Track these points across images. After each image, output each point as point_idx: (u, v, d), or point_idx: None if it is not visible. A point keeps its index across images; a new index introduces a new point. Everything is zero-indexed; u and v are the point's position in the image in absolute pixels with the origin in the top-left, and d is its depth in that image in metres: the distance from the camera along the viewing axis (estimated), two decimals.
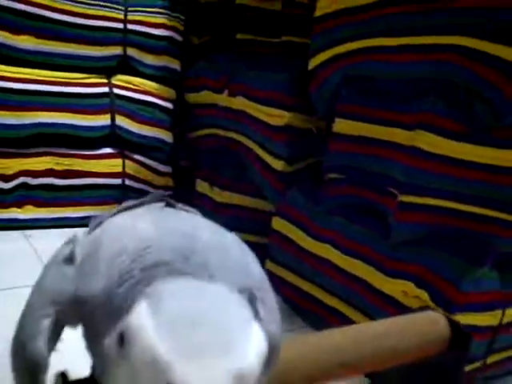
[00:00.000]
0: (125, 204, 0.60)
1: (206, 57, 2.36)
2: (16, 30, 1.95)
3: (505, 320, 1.35)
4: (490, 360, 1.38)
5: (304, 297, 1.66)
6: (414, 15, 1.44)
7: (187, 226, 0.49)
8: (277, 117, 1.87)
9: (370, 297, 1.44)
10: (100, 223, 0.55)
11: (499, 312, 1.33)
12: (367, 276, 1.45)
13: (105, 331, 0.40)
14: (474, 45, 1.24)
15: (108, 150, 2.26)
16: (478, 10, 1.22)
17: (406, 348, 0.68)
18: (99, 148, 2.23)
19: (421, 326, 0.70)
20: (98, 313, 0.42)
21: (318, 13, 1.72)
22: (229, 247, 0.48)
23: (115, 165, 2.27)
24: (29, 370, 0.46)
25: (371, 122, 1.49)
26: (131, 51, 2.24)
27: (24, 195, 2.08)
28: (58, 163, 2.12)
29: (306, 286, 1.66)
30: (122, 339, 0.36)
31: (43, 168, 2.10)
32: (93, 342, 0.46)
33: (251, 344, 0.36)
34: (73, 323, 0.49)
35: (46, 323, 0.46)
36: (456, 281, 1.24)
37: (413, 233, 1.40)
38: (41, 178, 2.10)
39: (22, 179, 2.05)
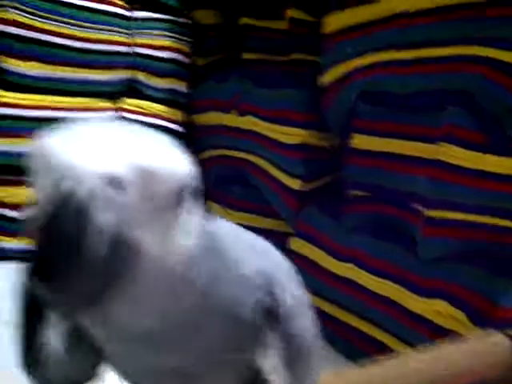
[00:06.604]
0: None
1: (213, 77, 2.33)
2: (22, 57, 1.92)
3: None
4: None
5: (331, 321, 1.59)
6: (428, 27, 1.42)
7: None
8: (291, 135, 1.83)
9: (401, 318, 1.38)
10: None
11: None
12: (396, 296, 1.40)
13: None
14: (497, 56, 1.21)
15: None
16: (504, 19, 1.19)
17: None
18: None
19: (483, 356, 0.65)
20: None
21: (326, 29, 1.70)
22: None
23: None
24: None
25: (391, 136, 1.45)
26: (138, 74, 2.22)
27: None
28: None
29: (329, 309, 1.60)
30: None
31: None
32: None
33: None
34: None
35: None
36: (494, 297, 1.19)
37: (441, 249, 1.35)
38: None
39: None
